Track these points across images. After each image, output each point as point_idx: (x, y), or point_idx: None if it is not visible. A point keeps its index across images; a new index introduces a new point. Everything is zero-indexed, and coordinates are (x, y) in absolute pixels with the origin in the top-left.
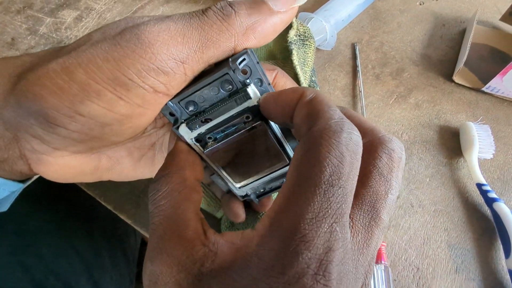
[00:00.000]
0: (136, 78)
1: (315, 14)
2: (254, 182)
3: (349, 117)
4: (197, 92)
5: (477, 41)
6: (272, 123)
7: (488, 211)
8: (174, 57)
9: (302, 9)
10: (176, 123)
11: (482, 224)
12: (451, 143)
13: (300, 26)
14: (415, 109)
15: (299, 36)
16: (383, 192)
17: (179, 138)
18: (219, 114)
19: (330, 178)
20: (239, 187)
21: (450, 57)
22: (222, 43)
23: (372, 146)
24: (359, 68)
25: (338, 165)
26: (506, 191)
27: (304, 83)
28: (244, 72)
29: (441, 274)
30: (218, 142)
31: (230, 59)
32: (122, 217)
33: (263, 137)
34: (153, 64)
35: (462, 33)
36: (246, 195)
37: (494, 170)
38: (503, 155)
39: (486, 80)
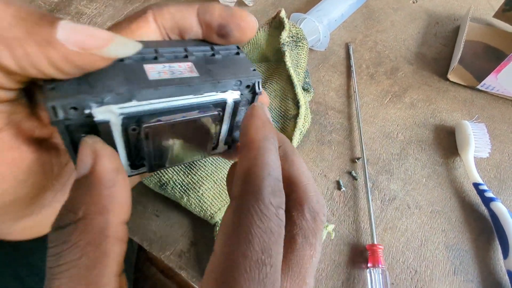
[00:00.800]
0: None
1: (307, 14)
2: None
3: (283, 158)
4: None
5: (471, 38)
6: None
7: (486, 211)
8: None
9: (294, 9)
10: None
11: (480, 224)
12: (447, 142)
13: (293, 27)
14: (410, 108)
15: (292, 37)
16: (308, 257)
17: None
18: (115, 147)
19: (262, 257)
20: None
21: (444, 55)
22: None
23: (298, 203)
24: (353, 68)
25: (268, 242)
26: (503, 190)
27: (298, 84)
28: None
29: (439, 276)
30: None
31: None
32: None
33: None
34: None
35: (456, 31)
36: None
37: (490, 169)
38: (499, 153)
39: (481, 78)
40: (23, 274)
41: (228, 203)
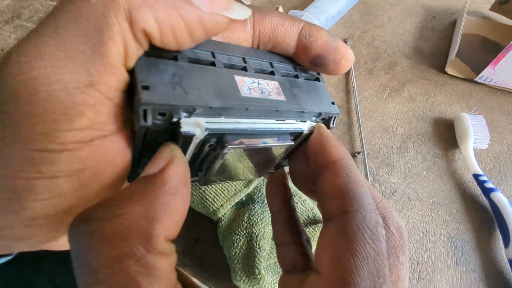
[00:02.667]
0: (48, 145)
1: (305, 11)
2: None
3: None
4: (144, 151)
5: (468, 31)
6: None
7: (486, 201)
8: (73, 86)
9: (291, 7)
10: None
11: (480, 214)
12: (446, 135)
13: None
14: (409, 102)
15: None
16: (403, 278)
17: None
18: (185, 152)
19: (379, 281)
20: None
21: (441, 48)
22: (112, 26)
23: (382, 219)
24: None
25: (381, 264)
26: (502, 180)
27: None
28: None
29: (441, 267)
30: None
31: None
32: None
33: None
34: (54, 116)
35: (453, 25)
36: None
37: (490, 160)
38: (498, 144)
39: (478, 70)
40: (29, 274)
41: (231, 198)
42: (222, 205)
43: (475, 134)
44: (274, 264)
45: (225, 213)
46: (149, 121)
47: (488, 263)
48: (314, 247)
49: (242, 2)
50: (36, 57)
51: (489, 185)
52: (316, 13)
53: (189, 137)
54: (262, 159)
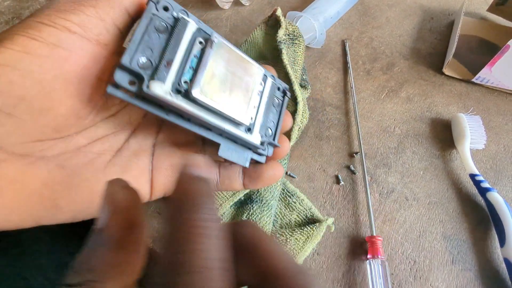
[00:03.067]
0: (46, 20)
1: (303, 12)
2: (259, 111)
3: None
4: (139, 46)
5: (466, 32)
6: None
7: (482, 201)
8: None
9: (290, 8)
10: (133, 88)
11: (477, 214)
12: (443, 135)
13: (289, 25)
14: (407, 102)
15: (288, 35)
16: None
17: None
18: (174, 52)
19: None
20: (253, 125)
21: (439, 49)
22: None
23: None
24: (350, 65)
25: None
26: (499, 180)
27: (295, 81)
28: (165, 8)
29: (437, 266)
30: (197, 75)
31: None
32: None
33: (227, 48)
34: (61, 7)
35: (451, 26)
36: (262, 143)
37: (486, 160)
38: (495, 145)
39: (475, 71)
40: (27, 273)
41: (230, 198)
42: (220, 205)
43: (472, 134)
44: None
45: (223, 213)
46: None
47: (484, 262)
48: (311, 247)
49: (241, 4)
50: None
51: (485, 185)
52: (314, 14)
53: (183, 26)
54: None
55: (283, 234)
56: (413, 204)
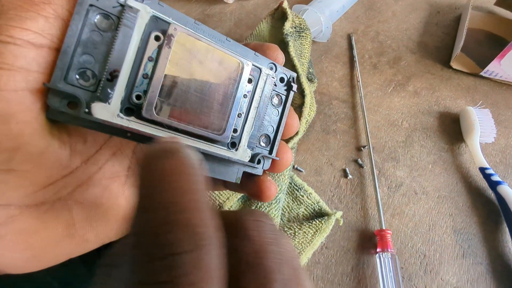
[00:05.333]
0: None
1: (309, 5)
2: (248, 119)
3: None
4: (74, 56)
5: (473, 26)
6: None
7: (492, 194)
8: None
9: (296, 1)
10: (75, 113)
11: (487, 207)
12: (452, 129)
13: (296, 17)
14: (414, 96)
15: (295, 28)
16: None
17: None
18: (122, 56)
19: None
20: (239, 139)
21: (446, 43)
22: None
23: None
24: (356, 59)
25: None
26: (509, 174)
27: (302, 74)
28: None
29: (448, 260)
30: (151, 89)
31: None
32: None
33: (194, 43)
34: (11, 13)
35: (457, 19)
36: (253, 158)
37: (496, 153)
38: (504, 138)
39: (483, 64)
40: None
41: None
42: (228, 198)
43: (481, 127)
44: None
45: (231, 206)
46: None
47: (495, 256)
48: (320, 240)
49: None
50: None
51: (496, 178)
52: (320, 8)
53: (132, 15)
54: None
55: (291, 227)
56: (422, 198)
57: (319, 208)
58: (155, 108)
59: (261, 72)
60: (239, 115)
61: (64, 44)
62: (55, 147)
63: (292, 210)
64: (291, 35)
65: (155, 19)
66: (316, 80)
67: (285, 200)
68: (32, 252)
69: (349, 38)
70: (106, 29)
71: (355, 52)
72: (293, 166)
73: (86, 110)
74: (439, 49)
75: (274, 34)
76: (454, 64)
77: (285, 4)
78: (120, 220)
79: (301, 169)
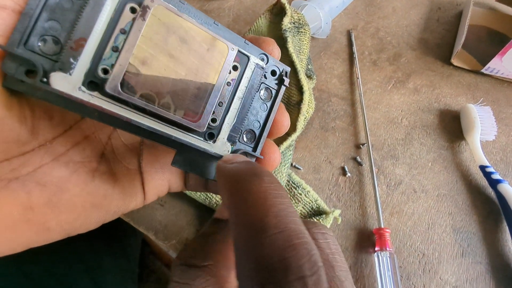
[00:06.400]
0: None
1: (308, 1)
2: (230, 109)
3: None
4: (39, 20)
5: (474, 23)
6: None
7: (492, 193)
8: None
9: None
10: (32, 81)
11: (487, 206)
12: (452, 127)
13: (295, 13)
14: (414, 93)
15: (294, 23)
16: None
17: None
18: (90, 25)
19: None
20: (218, 130)
21: (447, 40)
22: None
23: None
24: (356, 55)
25: None
26: (509, 172)
27: (301, 70)
28: None
29: (447, 259)
30: (119, 63)
31: None
32: (121, 216)
33: (173, 17)
34: None
35: (459, 16)
36: (235, 150)
37: (496, 152)
38: (505, 136)
39: (484, 61)
40: (29, 269)
41: None
42: None
43: (482, 125)
44: None
45: None
46: None
47: (495, 255)
48: None
49: None
50: None
51: (496, 176)
52: (319, 3)
53: None
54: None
55: None
56: (422, 196)
57: (317, 206)
58: (122, 85)
59: (249, 61)
60: (220, 104)
61: (27, 6)
62: (12, 120)
63: None
64: (289, 31)
65: None
66: (315, 76)
67: None
68: None
69: (348, 35)
70: None
71: (354, 48)
72: (291, 164)
73: (44, 79)
74: (439, 45)
75: (273, 29)
76: (454, 61)
77: (284, 0)
78: (88, 210)
79: (299, 167)
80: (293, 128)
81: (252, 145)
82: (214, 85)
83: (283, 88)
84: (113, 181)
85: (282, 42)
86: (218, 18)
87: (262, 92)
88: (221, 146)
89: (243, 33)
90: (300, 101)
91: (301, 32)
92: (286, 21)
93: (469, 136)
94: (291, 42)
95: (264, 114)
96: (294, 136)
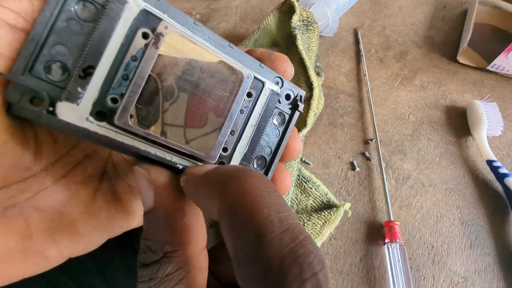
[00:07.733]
0: None
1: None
2: (243, 137)
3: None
4: (45, 46)
5: (480, 21)
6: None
7: (499, 186)
8: None
9: None
10: (39, 109)
11: (494, 199)
12: (459, 122)
13: (303, 11)
14: (421, 90)
15: (303, 21)
16: None
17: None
18: (100, 51)
19: None
20: (229, 158)
21: (452, 38)
22: None
23: None
24: (362, 53)
25: None
26: None
27: (310, 67)
28: None
29: (455, 251)
30: (129, 93)
31: None
32: None
33: (187, 44)
34: None
35: (464, 14)
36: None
37: (503, 147)
38: (511, 132)
39: (490, 59)
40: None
41: None
42: None
43: (488, 121)
44: None
45: None
46: None
47: (502, 247)
48: (329, 231)
49: None
50: None
51: (503, 170)
52: (327, 2)
53: (117, 8)
54: (212, 97)
55: (300, 219)
56: (430, 190)
57: (327, 200)
58: (131, 116)
59: (264, 87)
60: (232, 133)
61: (33, 31)
62: (14, 144)
63: (300, 202)
64: (298, 29)
65: (146, 13)
66: (323, 73)
67: (294, 192)
68: None
69: (355, 33)
70: (88, 19)
71: (361, 46)
72: (301, 159)
73: (50, 108)
74: (445, 43)
75: (282, 27)
76: (460, 59)
77: None
78: (90, 233)
79: (309, 162)
80: (303, 123)
81: (263, 171)
82: (228, 114)
83: (296, 114)
84: (115, 200)
85: (290, 40)
86: (226, 16)
87: (275, 118)
88: None
89: (251, 31)
90: (310, 97)
91: (310, 29)
92: (296, 19)
93: (476, 132)
94: (300, 39)
95: (276, 140)
96: (304, 132)
